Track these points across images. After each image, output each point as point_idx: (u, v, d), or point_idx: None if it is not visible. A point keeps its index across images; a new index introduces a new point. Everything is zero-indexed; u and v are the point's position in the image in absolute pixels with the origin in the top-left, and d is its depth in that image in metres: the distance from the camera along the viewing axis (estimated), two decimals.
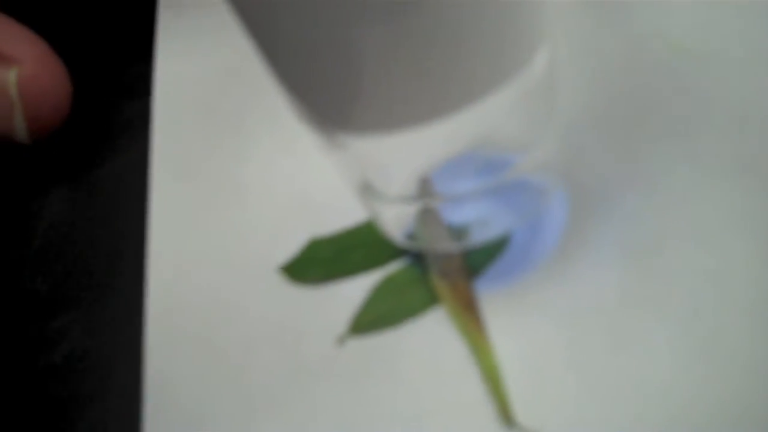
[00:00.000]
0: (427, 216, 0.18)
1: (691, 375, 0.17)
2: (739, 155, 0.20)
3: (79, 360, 0.21)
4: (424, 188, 0.17)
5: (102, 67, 0.27)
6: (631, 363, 0.18)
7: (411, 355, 0.19)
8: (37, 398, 0.20)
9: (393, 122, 0.15)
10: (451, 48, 0.14)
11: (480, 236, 0.19)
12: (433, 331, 0.19)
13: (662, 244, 0.19)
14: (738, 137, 0.20)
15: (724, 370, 0.17)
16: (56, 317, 0.22)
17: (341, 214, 0.21)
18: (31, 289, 0.22)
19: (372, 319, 0.19)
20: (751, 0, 0.22)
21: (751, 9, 0.22)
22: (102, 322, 0.21)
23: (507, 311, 0.19)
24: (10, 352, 0.21)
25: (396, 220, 0.19)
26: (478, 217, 0.18)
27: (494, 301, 0.19)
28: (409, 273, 0.20)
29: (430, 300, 0.19)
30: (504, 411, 0.18)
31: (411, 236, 0.19)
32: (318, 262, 0.20)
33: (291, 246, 0.21)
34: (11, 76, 0.22)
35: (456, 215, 0.18)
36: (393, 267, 0.20)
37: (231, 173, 0.23)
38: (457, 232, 0.18)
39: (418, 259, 0.20)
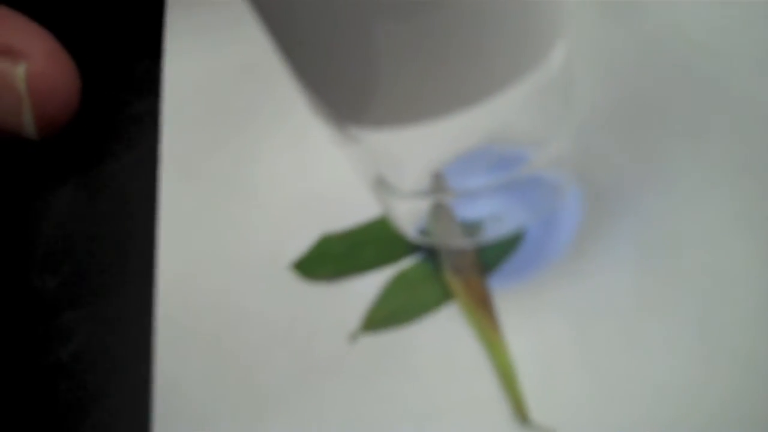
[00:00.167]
0: (440, 211, 0.18)
1: (705, 375, 0.17)
2: (757, 154, 0.20)
3: (87, 358, 0.21)
4: (438, 183, 0.17)
5: (111, 63, 0.27)
6: (645, 361, 0.18)
7: (424, 351, 0.19)
8: (45, 396, 0.20)
9: (408, 116, 0.15)
10: (469, 43, 0.14)
11: (493, 232, 0.18)
12: (446, 328, 0.19)
13: (678, 243, 0.19)
14: (757, 136, 0.20)
15: (738, 371, 0.17)
16: (64, 315, 0.22)
17: (353, 210, 0.21)
18: (39, 287, 0.22)
19: (384, 315, 0.19)
20: None
21: (766, 6, 0.22)
22: (110, 320, 0.21)
23: (521, 308, 0.19)
24: (17, 350, 0.21)
25: (409, 216, 0.19)
26: (492, 213, 0.18)
27: (508, 297, 0.19)
28: (422, 269, 0.20)
29: (443, 296, 0.19)
30: (518, 408, 0.17)
31: (424, 232, 0.19)
32: (330, 259, 0.20)
33: (302, 242, 0.21)
34: (20, 71, 0.22)
35: (469, 211, 0.18)
36: (406, 263, 0.20)
37: (240, 170, 0.23)
38: (471, 228, 0.18)
39: (431, 255, 0.20)
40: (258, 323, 0.20)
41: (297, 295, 0.20)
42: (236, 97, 0.24)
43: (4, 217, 0.24)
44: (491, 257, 0.19)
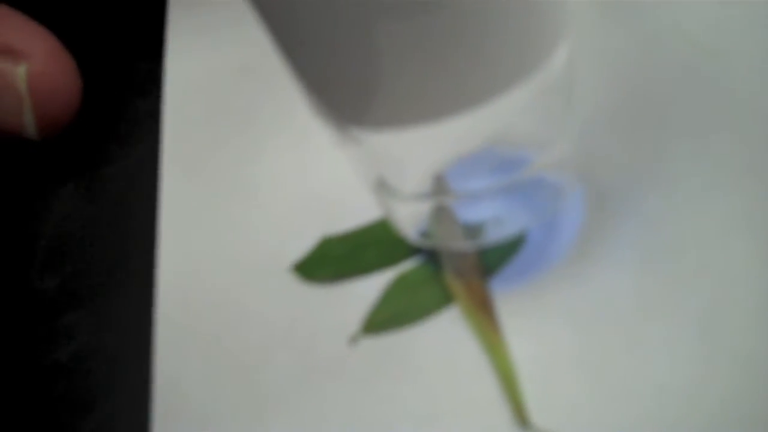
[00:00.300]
0: (441, 214, 0.18)
1: (706, 377, 0.17)
2: (759, 155, 0.20)
3: (87, 358, 0.21)
4: (439, 185, 0.17)
5: (112, 63, 0.27)
6: (647, 365, 0.17)
7: (424, 354, 0.19)
8: (45, 396, 0.20)
9: (409, 117, 0.15)
10: (471, 45, 0.14)
11: (495, 235, 0.18)
12: (447, 331, 0.19)
13: (680, 245, 0.19)
14: (759, 137, 0.20)
15: (739, 374, 0.17)
16: (64, 315, 0.22)
17: (354, 212, 0.21)
18: (39, 287, 0.22)
19: (385, 318, 0.19)
20: None
21: (767, 6, 0.22)
22: (110, 320, 0.21)
23: (522, 311, 0.19)
24: (17, 350, 0.21)
25: (410, 218, 0.18)
26: (493, 216, 0.18)
27: (509, 300, 0.19)
28: (423, 271, 0.20)
29: (444, 299, 0.19)
30: (518, 411, 0.17)
31: (425, 234, 0.19)
32: (330, 261, 0.20)
33: (303, 244, 0.21)
34: (21, 71, 0.22)
35: (471, 213, 0.18)
36: (407, 265, 0.20)
37: (242, 171, 0.23)
38: (472, 231, 0.18)
39: (432, 257, 0.20)
40: (258, 324, 0.20)
41: (297, 296, 0.20)
42: (237, 97, 0.24)
43: (5, 218, 0.24)
44: (493, 260, 0.19)
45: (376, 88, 0.15)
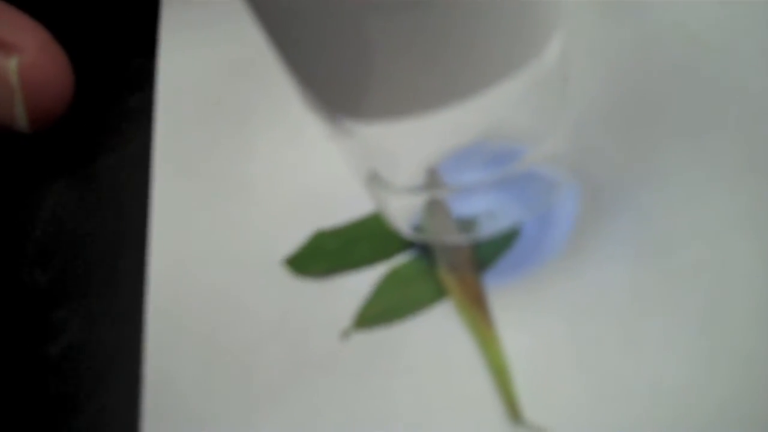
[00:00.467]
0: (434, 207, 0.18)
1: (701, 374, 0.17)
2: (754, 153, 0.20)
3: (78, 354, 0.21)
4: (432, 179, 0.17)
5: (104, 57, 0.26)
6: (641, 360, 0.17)
7: (417, 349, 0.18)
8: (35, 392, 0.20)
9: (402, 109, 0.15)
10: (464, 36, 0.14)
11: (488, 229, 0.18)
12: (440, 325, 0.19)
13: (674, 241, 0.19)
14: (754, 135, 0.20)
15: (736, 370, 0.17)
16: (55, 310, 0.21)
17: (347, 206, 0.21)
18: (29, 282, 0.22)
19: (378, 312, 0.19)
20: None
21: (766, 5, 0.22)
22: (102, 315, 0.21)
23: (516, 305, 0.18)
24: (7, 345, 0.21)
25: (403, 212, 0.18)
26: (487, 209, 0.18)
27: (503, 295, 0.19)
28: (416, 266, 0.19)
29: (438, 293, 0.19)
30: (511, 406, 0.17)
31: (418, 228, 0.19)
32: (323, 255, 0.20)
33: (295, 238, 0.21)
34: (12, 64, 0.22)
35: (464, 207, 0.18)
36: (399, 259, 0.20)
37: (234, 166, 0.22)
38: (465, 224, 0.18)
39: (426, 251, 0.20)
40: (250, 319, 0.20)
41: (289, 291, 0.20)
42: (230, 93, 0.24)
43: None
44: (486, 254, 0.19)
45: (368, 78, 0.15)
